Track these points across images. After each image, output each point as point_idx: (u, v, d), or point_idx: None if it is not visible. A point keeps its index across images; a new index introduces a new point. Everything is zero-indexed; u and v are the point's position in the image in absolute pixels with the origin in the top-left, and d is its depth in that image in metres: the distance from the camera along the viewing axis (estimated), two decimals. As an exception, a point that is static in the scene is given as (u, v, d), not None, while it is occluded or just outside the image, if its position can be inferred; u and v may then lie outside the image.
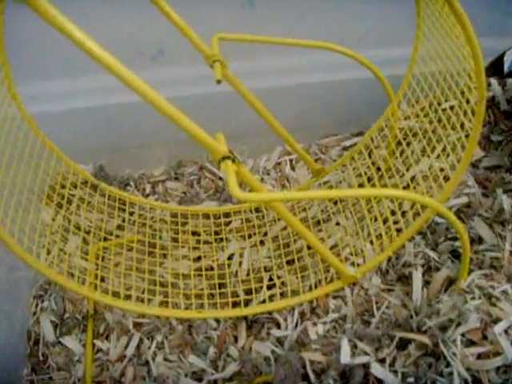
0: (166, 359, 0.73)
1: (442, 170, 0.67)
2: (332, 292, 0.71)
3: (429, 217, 0.62)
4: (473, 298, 0.65)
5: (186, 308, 0.71)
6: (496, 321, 0.62)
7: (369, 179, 0.78)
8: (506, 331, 0.61)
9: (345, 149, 0.95)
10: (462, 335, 0.62)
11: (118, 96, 0.81)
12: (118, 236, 0.80)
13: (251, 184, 0.55)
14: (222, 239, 0.80)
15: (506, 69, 0.82)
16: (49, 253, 0.71)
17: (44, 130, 0.72)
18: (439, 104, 0.70)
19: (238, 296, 0.72)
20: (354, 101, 0.92)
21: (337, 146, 0.96)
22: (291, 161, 0.96)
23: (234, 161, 0.52)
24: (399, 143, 0.76)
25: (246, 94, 0.71)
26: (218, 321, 0.75)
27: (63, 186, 0.74)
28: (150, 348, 0.73)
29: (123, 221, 0.80)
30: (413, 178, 0.75)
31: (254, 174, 0.94)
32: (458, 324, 0.63)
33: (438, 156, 0.73)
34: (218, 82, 0.63)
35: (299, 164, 0.94)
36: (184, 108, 0.92)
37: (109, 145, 0.90)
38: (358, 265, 0.71)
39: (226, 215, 0.84)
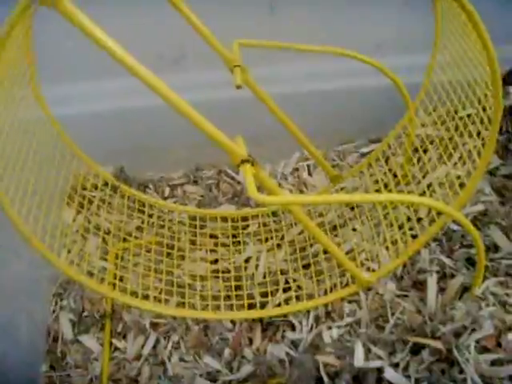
0: (181, 359, 0.74)
1: (458, 177, 0.68)
2: (347, 296, 0.72)
3: (444, 223, 0.63)
4: (487, 305, 0.65)
5: (203, 309, 0.71)
6: (510, 328, 0.62)
7: (385, 186, 0.78)
8: (520, 338, 0.61)
9: (362, 155, 0.96)
10: (476, 342, 0.62)
11: (139, 99, 0.82)
12: (136, 237, 0.82)
13: (269, 187, 0.56)
14: (239, 242, 0.82)
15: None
16: (69, 252, 0.72)
17: (66, 132, 0.74)
18: (456, 112, 0.70)
19: (253, 298, 0.73)
20: (372, 107, 0.93)
21: (354, 152, 0.97)
22: (309, 166, 0.97)
23: (253, 164, 0.53)
24: (416, 150, 0.77)
25: (266, 99, 0.72)
26: (233, 322, 0.76)
27: (84, 188, 0.76)
28: (166, 348, 0.75)
29: (142, 222, 0.81)
30: (429, 185, 0.76)
31: (271, 178, 0.95)
32: (472, 330, 0.63)
33: (455, 164, 0.73)
34: (238, 87, 0.64)
35: (317, 170, 0.95)
36: (204, 112, 0.93)
37: (129, 147, 0.92)
38: (374, 270, 0.72)
39: (244, 219, 0.85)
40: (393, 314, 0.71)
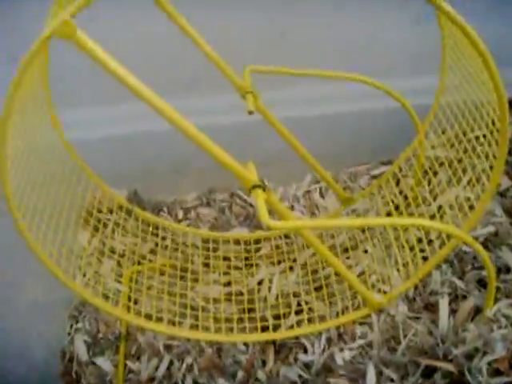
0: (195, 381, 0.74)
1: (468, 199, 0.68)
2: (359, 319, 0.72)
3: (454, 246, 0.63)
4: (499, 327, 0.65)
5: (216, 331, 0.72)
6: (522, 349, 0.62)
7: (396, 207, 0.79)
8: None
9: (374, 177, 0.96)
10: (488, 364, 0.63)
11: (151, 122, 0.84)
12: (150, 260, 0.83)
13: (281, 212, 0.57)
14: (252, 265, 0.82)
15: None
16: (84, 275, 0.73)
17: (80, 156, 0.75)
18: (465, 134, 0.71)
19: (266, 321, 0.73)
20: (382, 130, 0.94)
21: (366, 174, 0.97)
22: (321, 189, 0.97)
23: (264, 189, 0.54)
24: (426, 172, 0.77)
25: (276, 123, 0.73)
26: (246, 345, 0.76)
27: (99, 211, 0.77)
28: (179, 370, 0.75)
29: (156, 245, 0.82)
30: (439, 208, 0.76)
31: (283, 201, 0.96)
32: (484, 353, 0.63)
33: (465, 186, 0.74)
34: (250, 112, 0.65)
35: (329, 192, 0.95)
36: (217, 135, 0.95)
37: (142, 171, 0.93)
38: (385, 292, 0.73)
39: (256, 241, 0.86)
40: (405, 336, 0.71)
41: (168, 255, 0.82)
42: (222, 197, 0.98)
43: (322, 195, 0.97)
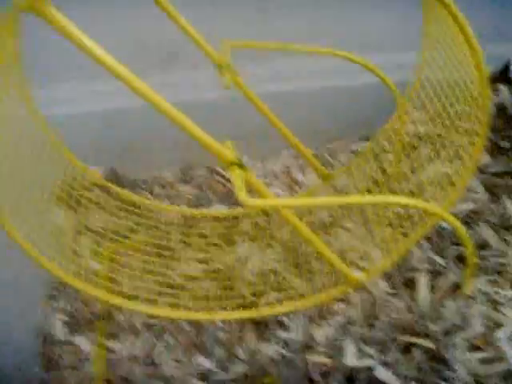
0: (174, 359, 0.74)
1: (448, 175, 0.68)
2: (338, 296, 0.72)
3: (434, 223, 0.63)
4: (477, 304, 0.66)
5: (195, 310, 0.72)
6: (499, 326, 0.63)
7: (376, 183, 0.79)
8: (509, 337, 0.62)
9: (353, 153, 0.96)
10: (466, 340, 0.63)
11: (129, 99, 0.82)
12: (128, 237, 0.81)
13: (258, 190, 0.56)
14: (230, 242, 0.81)
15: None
16: (62, 255, 0.72)
17: (56, 133, 0.73)
18: (446, 110, 0.71)
19: (245, 298, 0.73)
20: (362, 105, 0.93)
21: (345, 149, 0.97)
22: (300, 164, 0.97)
23: (241, 167, 0.53)
24: (406, 148, 0.77)
25: (254, 99, 0.72)
26: (225, 322, 0.76)
27: (75, 189, 0.76)
28: (158, 349, 0.75)
29: (134, 223, 0.81)
30: (419, 184, 0.76)
31: (262, 177, 0.95)
32: (462, 329, 0.64)
33: (447, 161, 0.74)
34: (227, 88, 0.64)
35: (308, 168, 0.95)
36: (196, 111, 0.93)
37: (120, 147, 0.92)
38: (365, 269, 0.72)
39: (235, 218, 0.85)
40: (384, 312, 0.71)
41: (146, 233, 0.80)
42: (201, 173, 0.96)
43: (301, 171, 0.96)
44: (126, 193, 0.82)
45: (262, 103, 0.73)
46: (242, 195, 0.49)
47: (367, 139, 0.96)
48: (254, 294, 0.74)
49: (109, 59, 0.43)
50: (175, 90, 0.89)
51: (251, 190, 0.58)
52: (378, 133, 0.81)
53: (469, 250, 0.62)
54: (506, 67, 0.83)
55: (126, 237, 0.81)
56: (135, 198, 0.82)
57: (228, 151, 0.53)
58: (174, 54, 0.89)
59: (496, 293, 0.66)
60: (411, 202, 0.57)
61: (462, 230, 0.60)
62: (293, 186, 0.93)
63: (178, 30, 0.65)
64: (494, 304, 0.65)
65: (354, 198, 0.58)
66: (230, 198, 0.91)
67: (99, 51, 0.42)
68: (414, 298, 0.72)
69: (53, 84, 0.86)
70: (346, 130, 0.98)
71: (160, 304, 0.74)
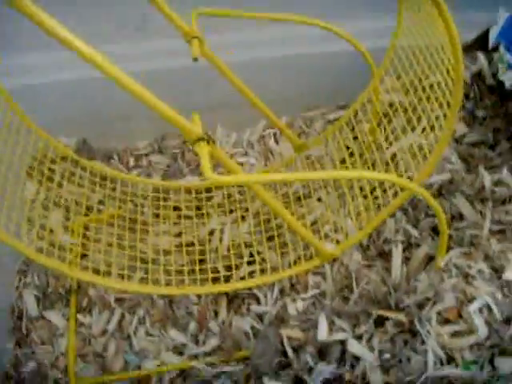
0: (147, 333, 0.74)
1: (421, 147, 0.67)
2: (311, 269, 0.72)
3: (407, 196, 0.62)
4: (450, 277, 0.65)
5: (167, 284, 0.71)
6: (471, 300, 0.63)
7: (351, 154, 0.77)
8: (480, 310, 0.62)
9: (329, 122, 0.94)
10: (438, 313, 0.63)
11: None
12: (99, 211, 0.80)
13: (227, 165, 0.55)
14: (203, 214, 0.80)
15: (490, 44, 0.81)
16: (30, 230, 0.71)
17: (25, 103, 0.71)
18: (421, 80, 0.69)
19: (218, 272, 0.72)
20: (338, 73, 0.91)
21: (321, 119, 0.95)
22: (275, 134, 0.95)
23: (208, 142, 0.51)
24: (381, 118, 0.75)
25: (225, 70, 0.70)
26: (198, 296, 0.75)
27: (45, 163, 0.74)
28: (131, 323, 0.74)
29: (104, 196, 0.80)
30: (394, 155, 0.75)
31: (237, 146, 0.93)
32: (434, 302, 0.63)
33: (421, 131, 0.72)
34: (195, 59, 0.62)
35: (283, 137, 0.93)
36: (168, 79, 0.91)
37: (92, 118, 0.89)
38: (339, 241, 0.72)
39: (208, 190, 0.83)
40: (358, 285, 0.71)
41: (117, 206, 0.79)
42: (175, 143, 0.94)
43: (276, 141, 0.94)
44: (97, 166, 0.80)
45: (233, 74, 0.71)
46: (208, 173, 0.47)
47: (344, 108, 0.94)
48: (227, 268, 0.74)
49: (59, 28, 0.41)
50: (148, 58, 0.87)
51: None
52: (353, 103, 0.80)
53: (442, 225, 0.62)
54: (485, 35, 0.81)
55: (98, 210, 0.80)
56: (106, 170, 0.80)
57: (194, 125, 0.52)
58: (144, 22, 0.86)
59: (469, 266, 0.66)
60: (383, 176, 0.56)
61: (434, 203, 0.59)
62: (268, 156, 0.92)
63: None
64: (467, 277, 0.65)
65: (325, 173, 0.57)
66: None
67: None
68: (388, 269, 0.72)
69: (20, 53, 0.84)
70: (323, 98, 0.96)
71: (132, 279, 0.73)
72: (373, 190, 0.70)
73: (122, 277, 0.70)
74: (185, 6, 0.66)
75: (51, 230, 0.74)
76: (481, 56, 0.83)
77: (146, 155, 0.94)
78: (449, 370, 0.60)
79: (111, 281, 0.67)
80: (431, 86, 0.65)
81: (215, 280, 0.71)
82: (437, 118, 0.61)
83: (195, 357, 0.71)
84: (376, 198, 0.68)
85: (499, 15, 0.81)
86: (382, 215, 0.65)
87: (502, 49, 0.78)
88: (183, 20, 0.65)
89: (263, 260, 0.73)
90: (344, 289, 0.72)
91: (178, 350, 0.72)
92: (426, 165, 0.60)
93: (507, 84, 0.76)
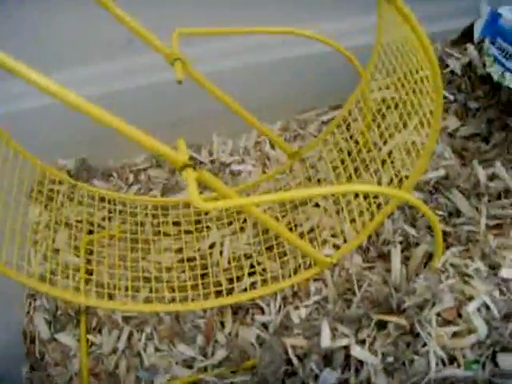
0: (156, 349, 0.75)
1: (414, 143, 0.66)
2: (311, 277, 0.72)
3: (397, 203, 0.62)
4: (447, 277, 0.65)
5: (172, 300, 0.72)
6: (470, 299, 0.63)
7: (349, 153, 0.77)
8: (478, 309, 0.62)
9: (323, 123, 0.94)
10: (437, 315, 0.63)
11: (91, 87, 0.81)
12: (103, 228, 0.81)
13: (217, 189, 0.55)
14: (202, 228, 0.81)
15: (475, 37, 0.80)
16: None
17: (21, 128, 0.72)
18: (408, 75, 0.68)
19: (220, 285, 0.73)
20: (329, 72, 0.90)
21: (315, 120, 0.95)
22: (270, 139, 0.95)
23: (195, 168, 0.52)
24: (376, 115, 0.75)
25: (212, 88, 0.70)
26: (204, 309, 0.77)
27: (40, 191, 0.75)
28: (140, 340, 0.76)
29: (103, 218, 0.81)
30: (390, 153, 0.75)
31: (234, 154, 0.94)
32: (433, 304, 0.64)
33: (415, 127, 0.72)
34: (179, 82, 0.62)
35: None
36: (158, 93, 0.91)
37: (89, 137, 0.90)
38: (337, 246, 0.72)
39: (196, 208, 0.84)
40: (360, 288, 0.71)
41: (117, 227, 0.80)
42: (172, 156, 0.95)
43: (272, 146, 0.95)
44: (93, 189, 0.81)
45: (218, 90, 0.71)
46: (196, 201, 0.48)
47: (337, 108, 0.94)
48: (229, 280, 0.74)
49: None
50: (136, 74, 0.87)
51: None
52: (344, 104, 0.80)
53: (435, 229, 0.62)
54: (471, 28, 0.81)
55: (97, 232, 0.81)
56: (103, 192, 0.81)
57: (179, 152, 0.52)
58: (129, 39, 0.86)
59: (466, 265, 0.66)
60: (371, 188, 0.56)
61: (426, 211, 0.59)
62: (265, 162, 0.92)
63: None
64: (464, 277, 0.65)
65: (319, 190, 0.57)
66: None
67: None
68: (389, 270, 0.72)
69: (10, 79, 0.85)
70: (316, 99, 0.96)
71: (136, 298, 0.74)
72: (366, 195, 0.70)
73: (126, 296, 0.72)
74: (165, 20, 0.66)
75: (56, 252, 0.76)
76: (470, 47, 0.82)
77: (145, 170, 0.94)
78: (451, 371, 0.60)
79: (116, 303, 0.69)
80: (421, 81, 0.65)
81: (218, 293, 0.72)
82: (430, 112, 0.61)
83: (204, 369, 0.73)
84: (369, 204, 0.68)
85: (481, 7, 0.80)
86: (376, 220, 0.65)
87: (487, 43, 0.77)
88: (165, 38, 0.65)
89: (264, 270, 0.74)
90: (346, 292, 0.72)
91: (188, 364, 0.74)
92: (414, 168, 0.60)
93: (495, 77, 0.75)
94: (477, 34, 0.80)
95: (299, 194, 0.56)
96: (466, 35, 0.83)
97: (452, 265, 0.67)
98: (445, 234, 0.71)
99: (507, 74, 0.75)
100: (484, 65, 0.80)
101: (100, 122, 0.46)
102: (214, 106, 0.88)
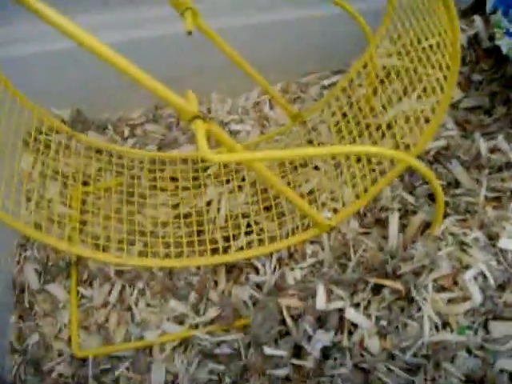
0: (148, 305, 0.75)
1: (422, 111, 0.66)
2: (309, 239, 0.72)
3: (401, 169, 0.62)
4: (446, 245, 0.66)
5: (166, 256, 0.71)
6: (467, 267, 0.63)
7: (348, 122, 0.77)
8: (475, 277, 0.63)
9: (325, 87, 0.93)
10: (434, 281, 0.64)
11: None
12: (97, 180, 0.80)
13: (225, 144, 0.54)
14: (200, 185, 0.80)
15: (488, 9, 0.79)
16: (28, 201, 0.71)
17: (16, 75, 0.70)
18: (420, 42, 0.68)
19: (216, 243, 0.73)
20: (333, 36, 0.89)
21: (316, 84, 0.94)
22: (270, 100, 0.94)
23: (204, 120, 0.51)
24: (382, 82, 0.74)
25: (220, 42, 0.69)
26: (198, 266, 0.76)
27: (36, 139, 0.73)
28: (132, 294, 0.75)
29: (100, 169, 0.79)
30: (394, 119, 0.74)
31: (233, 113, 0.93)
32: (431, 270, 0.64)
33: (420, 97, 0.72)
34: (189, 33, 0.61)
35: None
36: (162, 47, 0.89)
37: (85, 88, 0.88)
38: (336, 210, 0.72)
39: (204, 160, 0.83)
40: (355, 253, 0.71)
41: (113, 179, 0.79)
42: (170, 112, 0.93)
43: (271, 107, 0.94)
44: (91, 140, 0.79)
45: (227, 45, 0.70)
46: (205, 151, 0.47)
47: (339, 73, 0.93)
48: (225, 238, 0.74)
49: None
50: (140, 26, 0.85)
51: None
52: (347, 68, 0.79)
53: (438, 197, 0.62)
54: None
55: (95, 181, 0.80)
56: (101, 144, 0.80)
57: (189, 103, 0.51)
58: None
59: (464, 234, 0.66)
60: (375, 150, 0.56)
61: (429, 175, 0.59)
62: (264, 123, 0.91)
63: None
64: (462, 245, 0.66)
65: (328, 149, 0.56)
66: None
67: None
68: (385, 236, 0.72)
69: (11, 22, 0.82)
70: (318, 62, 0.95)
71: (131, 252, 0.73)
72: (369, 159, 0.70)
73: (121, 249, 0.71)
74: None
75: (50, 201, 0.74)
76: (477, 19, 0.81)
77: (141, 125, 0.93)
78: (444, 335, 0.61)
79: (110, 256, 0.68)
80: (430, 47, 0.64)
81: (214, 251, 0.72)
82: (437, 79, 0.60)
83: (196, 326, 0.73)
84: (373, 168, 0.68)
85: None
86: (378, 186, 0.65)
87: (499, 14, 0.77)
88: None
89: (261, 230, 0.74)
90: (342, 256, 0.72)
91: (179, 320, 0.74)
92: (422, 136, 0.60)
93: (504, 49, 0.75)
94: (489, 5, 0.79)
95: (305, 152, 0.56)
96: (477, 6, 0.82)
97: (451, 233, 0.67)
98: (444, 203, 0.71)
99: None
100: (491, 38, 0.80)
101: (117, 67, 0.45)
102: (214, 63, 0.87)
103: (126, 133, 0.92)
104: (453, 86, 0.54)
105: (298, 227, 0.71)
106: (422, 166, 0.58)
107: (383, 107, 0.73)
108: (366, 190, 0.67)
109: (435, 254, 0.65)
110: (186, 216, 0.77)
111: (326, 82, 0.94)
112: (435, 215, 0.66)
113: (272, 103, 0.94)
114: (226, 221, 0.76)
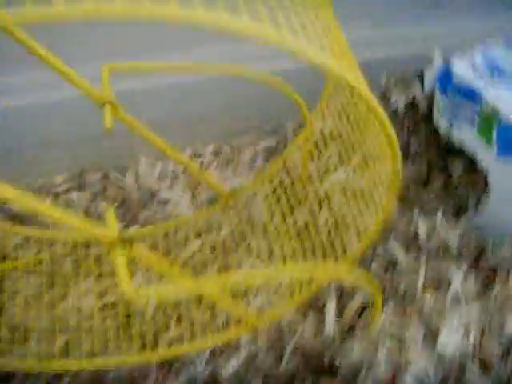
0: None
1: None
2: (239, 335, 0.68)
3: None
4: (384, 344, 0.64)
5: (90, 353, 0.66)
6: (406, 366, 0.62)
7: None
8: (415, 377, 0.61)
9: (258, 151, 0.89)
10: (373, 380, 0.62)
11: (13, 97, 0.74)
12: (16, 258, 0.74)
13: (154, 268, 0.50)
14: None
15: (426, 89, 0.77)
16: None
17: None
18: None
19: (145, 337, 0.68)
20: (265, 96, 0.85)
21: (250, 145, 0.90)
22: (202, 163, 0.89)
23: (126, 244, 0.46)
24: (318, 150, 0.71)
25: (145, 133, 0.64)
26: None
27: None
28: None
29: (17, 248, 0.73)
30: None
31: (162, 178, 0.87)
32: (369, 368, 0.62)
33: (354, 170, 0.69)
34: (108, 130, 0.55)
35: (211, 166, 0.88)
36: (83, 106, 0.83)
37: (4, 151, 0.82)
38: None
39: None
40: (291, 342, 0.68)
41: (32, 261, 0.73)
42: (95, 178, 0.87)
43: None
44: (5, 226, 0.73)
45: (148, 132, 0.65)
46: (126, 285, 0.43)
47: (273, 134, 0.90)
48: (154, 332, 0.69)
49: None
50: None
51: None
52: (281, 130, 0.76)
53: (376, 305, 0.60)
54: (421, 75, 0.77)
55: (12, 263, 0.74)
56: (17, 229, 0.74)
57: (107, 228, 0.46)
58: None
59: (401, 328, 0.64)
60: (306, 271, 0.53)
61: (375, 290, 0.57)
62: (195, 188, 0.86)
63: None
64: (400, 343, 0.64)
65: (244, 275, 0.53)
66: (128, 207, 0.83)
67: None
68: (322, 321, 0.70)
69: None
70: (250, 123, 0.91)
71: (55, 347, 0.68)
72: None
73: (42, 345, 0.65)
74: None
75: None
76: (416, 85, 0.79)
77: (65, 192, 0.84)
78: None
79: (28, 360, 0.62)
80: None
81: (143, 346, 0.67)
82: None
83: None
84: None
85: (435, 54, 0.77)
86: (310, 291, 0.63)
87: (438, 94, 0.74)
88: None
89: (192, 322, 0.70)
90: (277, 346, 0.69)
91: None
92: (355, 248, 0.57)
93: (442, 131, 0.73)
94: (427, 86, 0.76)
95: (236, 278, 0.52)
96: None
97: (388, 334, 0.65)
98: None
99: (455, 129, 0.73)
100: (428, 104, 0.77)
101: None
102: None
103: (52, 202, 0.84)
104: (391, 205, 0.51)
105: (228, 322, 0.68)
106: (354, 278, 0.55)
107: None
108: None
109: (373, 352, 0.63)
110: (112, 306, 0.72)
111: (259, 147, 0.89)
112: (373, 317, 0.64)
113: (203, 167, 0.89)
114: (155, 311, 0.71)
